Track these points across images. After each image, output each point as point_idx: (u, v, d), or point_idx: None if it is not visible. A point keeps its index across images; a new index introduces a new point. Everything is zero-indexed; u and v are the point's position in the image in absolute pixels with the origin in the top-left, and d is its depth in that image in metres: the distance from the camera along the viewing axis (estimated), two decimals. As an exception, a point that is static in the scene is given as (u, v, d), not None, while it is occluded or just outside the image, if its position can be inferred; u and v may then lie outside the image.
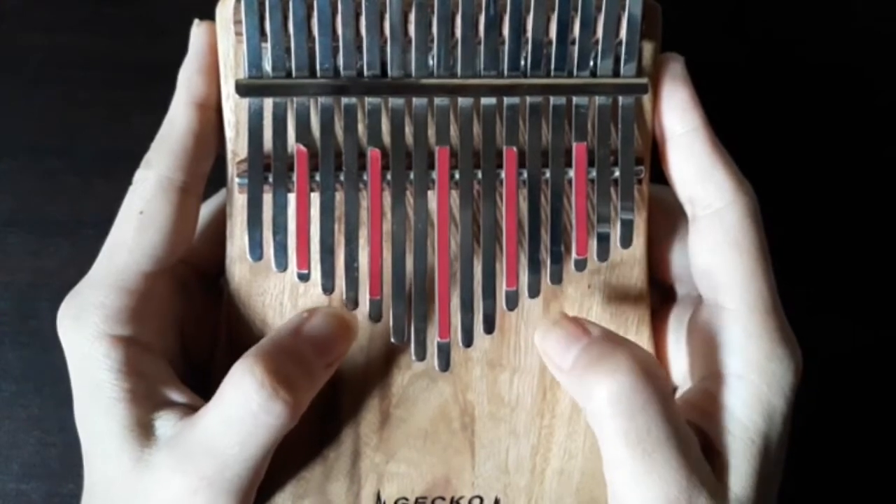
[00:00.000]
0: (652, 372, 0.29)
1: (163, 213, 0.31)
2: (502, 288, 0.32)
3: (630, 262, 0.33)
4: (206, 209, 0.35)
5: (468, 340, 0.32)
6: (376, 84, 0.31)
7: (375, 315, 0.32)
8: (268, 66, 0.31)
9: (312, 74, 0.31)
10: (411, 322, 0.32)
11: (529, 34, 0.31)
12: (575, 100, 0.32)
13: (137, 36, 0.44)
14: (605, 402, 0.28)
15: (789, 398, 0.31)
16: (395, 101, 0.31)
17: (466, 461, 0.33)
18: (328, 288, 0.32)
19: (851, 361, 0.45)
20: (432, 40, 0.31)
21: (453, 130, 0.32)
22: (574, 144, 0.32)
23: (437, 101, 0.32)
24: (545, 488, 0.34)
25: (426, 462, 0.33)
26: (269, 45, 0.31)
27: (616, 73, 0.32)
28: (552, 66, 0.32)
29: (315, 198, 0.31)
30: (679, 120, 0.32)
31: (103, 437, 0.30)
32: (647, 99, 0.33)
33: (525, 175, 0.32)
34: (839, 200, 0.45)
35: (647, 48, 0.32)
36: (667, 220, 0.34)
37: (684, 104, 0.32)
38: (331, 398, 0.33)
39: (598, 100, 0.32)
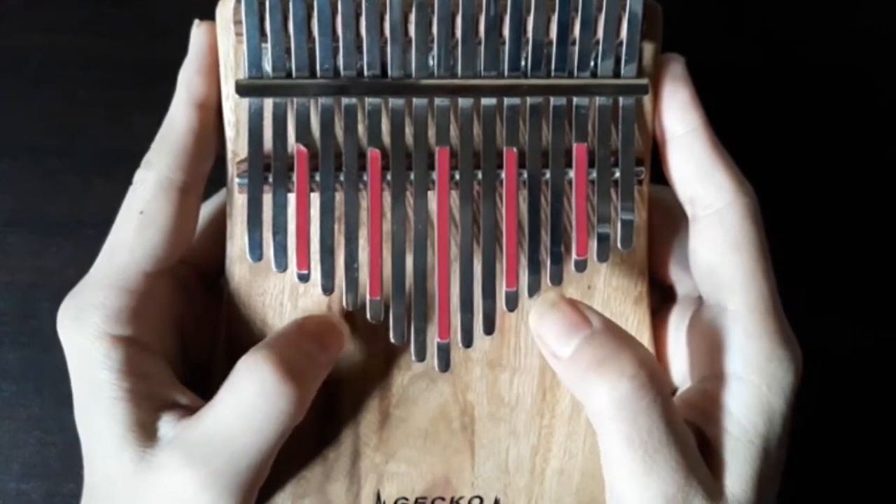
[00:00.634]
0: (654, 374, 0.29)
1: (163, 213, 0.31)
2: (502, 288, 0.32)
3: (630, 262, 0.33)
4: (206, 209, 0.35)
5: (468, 341, 0.32)
6: (376, 84, 0.31)
7: (375, 315, 0.32)
8: (268, 66, 0.31)
9: (313, 75, 0.31)
10: (411, 322, 0.32)
11: (530, 35, 0.31)
12: (575, 100, 0.32)
13: (137, 36, 0.44)
14: (607, 405, 0.28)
15: (789, 399, 0.31)
16: (396, 102, 0.31)
17: (466, 461, 0.34)
18: (328, 288, 0.32)
19: (851, 362, 0.45)
20: (432, 41, 0.31)
21: (453, 131, 0.32)
22: (574, 145, 0.32)
23: (438, 101, 0.32)
24: (545, 488, 0.34)
25: (426, 462, 0.33)
26: (269, 45, 0.31)
27: (616, 74, 0.32)
28: (552, 67, 0.32)
29: (315, 198, 0.31)
30: (679, 120, 0.32)
31: (103, 437, 0.30)
32: (647, 99, 0.33)
33: (525, 175, 0.32)
34: (839, 200, 0.45)
35: (648, 49, 0.32)
36: (667, 220, 0.34)
37: (685, 105, 0.32)
38: (331, 398, 0.33)
39: (599, 100, 0.32)
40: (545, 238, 0.32)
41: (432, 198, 0.32)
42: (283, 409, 0.29)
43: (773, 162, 0.45)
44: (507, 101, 0.32)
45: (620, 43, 0.32)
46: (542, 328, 0.31)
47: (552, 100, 0.32)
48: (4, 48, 0.44)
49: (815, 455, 0.44)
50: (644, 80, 0.32)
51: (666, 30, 0.33)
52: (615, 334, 0.30)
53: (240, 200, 0.32)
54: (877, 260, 0.45)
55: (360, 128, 0.32)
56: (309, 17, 0.31)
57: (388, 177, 0.32)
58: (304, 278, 0.31)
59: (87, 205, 0.43)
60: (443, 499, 0.33)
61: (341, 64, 0.31)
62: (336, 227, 0.31)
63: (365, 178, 0.31)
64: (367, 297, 0.32)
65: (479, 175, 0.32)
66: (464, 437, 0.33)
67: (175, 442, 0.29)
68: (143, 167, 0.31)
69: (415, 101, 0.31)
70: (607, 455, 0.29)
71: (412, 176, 0.32)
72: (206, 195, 0.34)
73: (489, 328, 0.32)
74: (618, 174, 0.32)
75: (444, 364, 0.32)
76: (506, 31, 0.31)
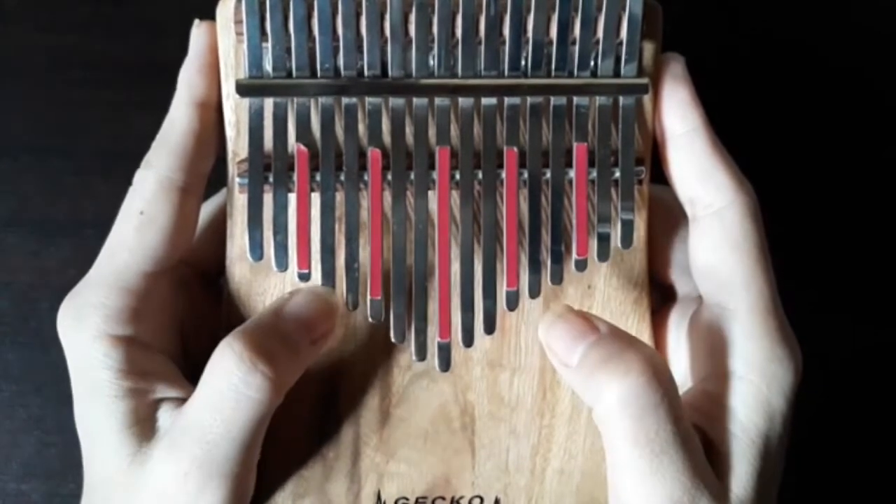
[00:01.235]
0: (661, 372, 0.29)
1: (163, 213, 0.31)
2: (503, 288, 0.32)
3: (630, 262, 0.34)
4: (206, 209, 0.34)
5: (468, 340, 0.32)
6: (377, 84, 0.31)
7: (376, 315, 0.32)
8: (268, 65, 0.31)
9: (313, 74, 0.31)
10: (412, 322, 0.32)
11: (530, 34, 0.31)
12: (575, 100, 0.32)
13: (137, 36, 0.44)
14: (615, 404, 0.28)
15: (789, 398, 0.31)
16: (396, 102, 0.31)
17: (466, 461, 0.34)
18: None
19: (852, 362, 0.45)
20: (433, 40, 0.31)
21: (454, 130, 0.32)
22: (574, 145, 0.32)
23: (438, 101, 0.32)
24: (545, 488, 0.34)
25: (426, 462, 0.33)
26: (269, 44, 0.31)
27: (617, 74, 0.32)
28: (553, 67, 0.32)
29: (315, 198, 0.31)
30: (679, 120, 0.32)
31: (103, 436, 0.30)
32: (647, 99, 0.33)
33: (525, 175, 0.32)
34: (839, 200, 0.45)
35: (648, 48, 0.32)
36: (667, 220, 0.34)
37: (685, 104, 0.32)
38: (331, 398, 0.33)
39: (599, 100, 0.32)
40: (545, 237, 0.32)
41: (433, 197, 0.32)
42: (251, 398, 0.28)
43: (773, 162, 0.45)
44: (507, 100, 0.32)
45: (620, 42, 0.32)
46: (550, 338, 0.31)
47: (552, 99, 0.32)
48: (4, 48, 0.44)
49: (816, 455, 0.44)
50: (644, 80, 0.32)
51: (666, 29, 0.33)
52: (622, 337, 0.30)
53: (240, 200, 0.32)
54: (877, 260, 0.45)
55: (361, 127, 0.32)
56: (309, 16, 0.31)
57: (389, 176, 0.32)
58: (304, 278, 0.31)
59: (87, 205, 0.43)
60: (443, 498, 0.33)
61: (342, 63, 0.31)
62: (336, 226, 0.31)
63: (365, 177, 0.31)
64: (368, 296, 0.32)
65: (480, 175, 0.32)
66: (464, 436, 0.33)
67: (164, 434, 0.30)
68: (143, 167, 0.31)
69: (415, 100, 0.31)
70: (613, 456, 0.29)
71: (413, 176, 0.32)
72: (207, 195, 0.34)
73: (489, 328, 0.32)
74: (618, 174, 0.32)
75: (445, 364, 0.32)
76: (506, 31, 0.31)
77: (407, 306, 0.32)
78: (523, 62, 0.32)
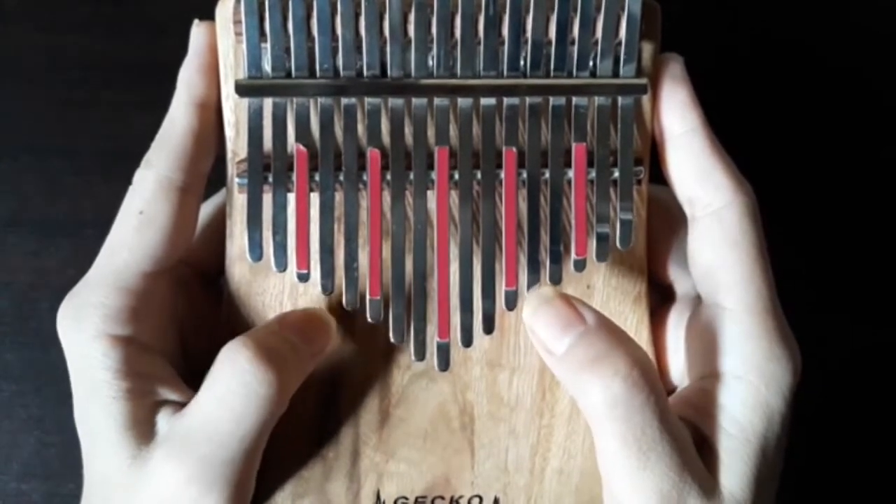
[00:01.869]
0: (647, 372, 0.29)
1: (162, 212, 0.31)
2: (502, 288, 0.32)
3: (629, 262, 0.34)
4: (206, 209, 0.35)
5: (468, 340, 0.32)
6: (376, 84, 0.31)
7: (375, 315, 0.32)
8: (267, 66, 0.31)
9: (312, 74, 0.31)
10: (411, 322, 0.32)
11: (529, 34, 0.31)
12: (574, 100, 0.32)
13: (137, 36, 0.44)
14: (601, 405, 0.29)
15: (788, 399, 0.31)
16: (395, 102, 0.31)
17: (466, 461, 0.34)
18: (328, 288, 0.32)
19: (851, 361, 0.45)
20: (432, 40, 0.31)
21: (453, 131, 0.32)
22: (573, 145, 0.32)
23: (437, 101, 0.32)
24: (544, 488, 0.34)
25: (426, 461, 0.33)
26: (268, 45, 0.31)
27: (615, 74, 0.32)
28: (552, 67, 0.32)
29: (315, 198, 0.31)
30: (678, 120, 0.32)
31: (101, 436, 0.30)
32: (646, 99, 0.33)
33: (524, 175, 0.32)
34: (839, 200, 0.45)
35: (647, 48, 0.32)
36: (666, 220, 0.35)
37: (683, 104, 0.32)
38: (330, 398, 0.33)
39: (598, 100, 0.32)
40: (544, 237, 0.32)
41: (432, 197, 0.32)
42: (262, 395, 0.29)
43: (773, 162, 0.45)
44: (506, 100, 0.32)
45: (619, 43, 0.32)
46: (535, 323, 0.31)
47: (551, 100, 0.32)
48: (4, 48, 0.44)
49: (815, 455, 0.44)
50: (643, 80, 0.32)
51: (665, 29, 0.33)
52: (609, 331, 0.30)
53: (239, 200, 0.32)
54: (876, 259, 0.45)
55: (360, 128, 0.32)
56: (308, 16, 0.31)
57: (388, 176, 0.32)
58: (303, 278, 0.31)
59: (87, 205, 0.43)
60: (442, 498, 0.34)
61: (341, 64, 0.31)
62: (336, 226, 0.31)
63: (364, 177, 0.31)
64: (367, 296, 0.32)
65: (479, 175, 0.32)
66: (463, 436, 0.33)
67: (165, 437, 0.30)
68: (142, 167, 0.31)
69: (414, 100, 0.31)
70: (602, 452, 0.29)
71: (412, 176, 0.32)
72: (206, 195, 0.34)
73: (489, 328, 0.32)
74: (617, 174, 0.32)
75: (444, 363, 0.32)
76: (505, 31, 0.31)
77: (406, 306, 0.32)
78: (522, 62, 0.32)
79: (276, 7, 0.30)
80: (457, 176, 0.32)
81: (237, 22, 0.31)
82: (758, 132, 0.45)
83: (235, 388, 0.29)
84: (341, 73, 0.31)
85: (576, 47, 0.32)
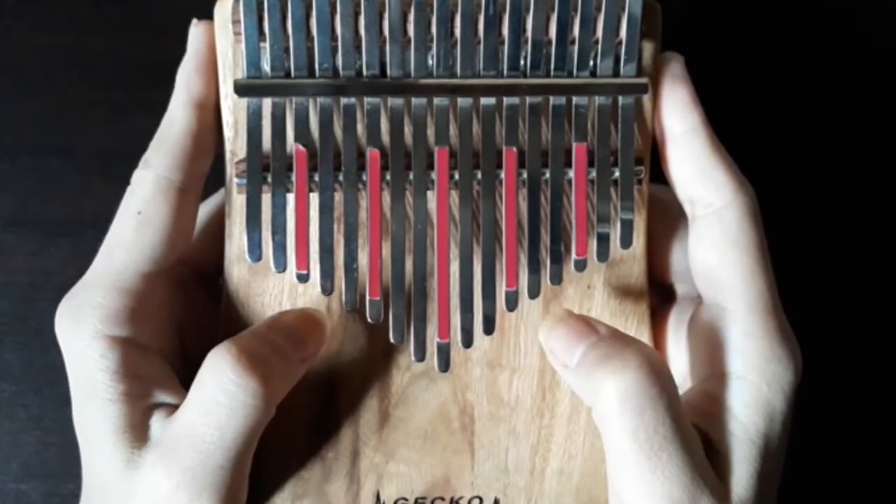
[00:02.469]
0: (660, 370, 0.29)
1: (161, 213, 0.31)
2: (502, 288, 0.32)
3: (630, 262, 0.33)
4: (205, 209, 0.34)
5: (468, 341, 0.32)
6: (375, 84, 0.31)
7: (375, 315, 0.32)
8: (266, 65, 0.31)
9: (311, 74, 0.31)
10: (411, 322, 0.32)
11: (529, 34, 0.31)
12: (575, 100, 0.32)
13: (137, 36, 0.44)
14: (613, 399, 0.28)
15: (789, 398, 0.31)
16: (395, 101, 0.31)
17: (466, 461, 0.33)
18: (327, 288, 0.32)
19: (851, 361, 0.45)
20: (431, 40, 0.31)
21: (453, 130, 0.32)
22: (574, 144, 0.32)
23: (437, 101, 0.31)
24: (545, 488, 0.34)
25: (425, 462, 0.33)
26: (267, 44, 0.31)
27: (616, 73, 0.32)
28: (552, 66, 0.32)
29: (314, 198, 0.31)
30: (679, 120, 0.32)
31: (98, 437, 0.30)
32: (646, 99, 0.33)
33: (525, 175, 0.32)
34: (839, 200, 0.45)
35: (647, 48, 0.32)
36: (667, 220, 0.34)
37: (684, 104, 0.32)
38: (330, 398, 0.33)
39: (598, 100, 0.32)
40: (545, 237, 0.32)
41: (432, 197, 0.32)
42: (246, 404, 0.28)
43: (773, 161, 0.45)
44: (506, 100, 0.32)
45: (620, 42, 0.32)
46: (550, 341, 0.31)
47: (551, 99, 0.32)
48: (4, 48, 0.44)
49: (816, 455, 0.44)
50: (643, 80, 0.32)
51: (665, 29, 0.33)
52: (620, 337, 0.30)
53: (238, 200, 0.32)
54: (876, 259, 0.45)
55: (360, 127, 0.32)
56: (307, 16, 0.31)
57: (388, 176, 0.32)
58: (303, 278, 0.31)
59: (87, 205, 0.43)
60: (442, 499, 0.33)
61: (340, 63, 0.31)
62: (335, 227, 0.31)
63: (364, 177, 0.31)
64: (367, 297, 0.31)
65: (479, 175, 0.32)
66: (463, 437, 0.33)
67: (156, 442, 0.29)
68: (141, 167, 0.31)
69: (414, 100, 0.31)
70: (612, 454, 0.29)
71: (411, 176, 0.32)
72: (206, 195, 0.34)
73: (489, 328, 0.32)
74: (617, 174, 0.32)
75: (444, 364, 0.32)
76: (505, 31, 0.31)
77: (406, 307, 0.32)
78: (522, 62, 0.32)
79: (276, 6, 0.30)
80: (457, 176, 0.32)
81: (236, 21, 0.31)
82: (758, 132, 0.45)
83: (219, 397, 0.28)
84: (341, 72, 0.31)
85: (576, 47, 0.32)
